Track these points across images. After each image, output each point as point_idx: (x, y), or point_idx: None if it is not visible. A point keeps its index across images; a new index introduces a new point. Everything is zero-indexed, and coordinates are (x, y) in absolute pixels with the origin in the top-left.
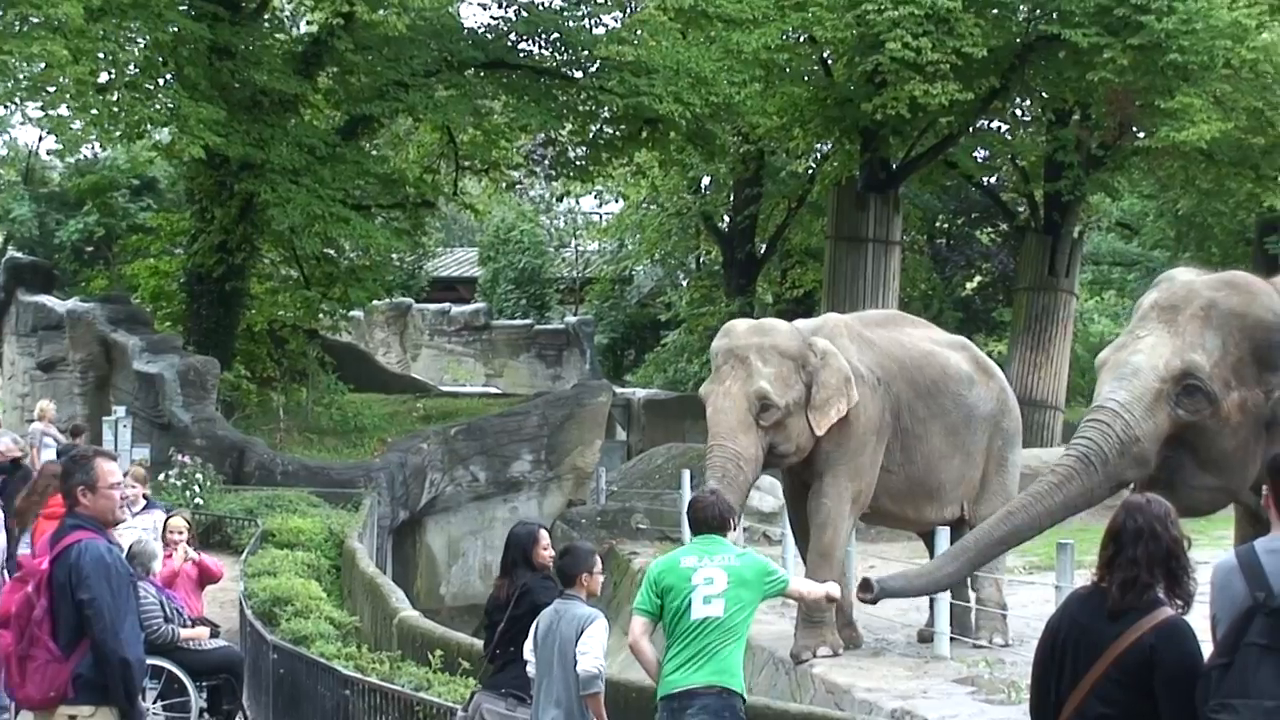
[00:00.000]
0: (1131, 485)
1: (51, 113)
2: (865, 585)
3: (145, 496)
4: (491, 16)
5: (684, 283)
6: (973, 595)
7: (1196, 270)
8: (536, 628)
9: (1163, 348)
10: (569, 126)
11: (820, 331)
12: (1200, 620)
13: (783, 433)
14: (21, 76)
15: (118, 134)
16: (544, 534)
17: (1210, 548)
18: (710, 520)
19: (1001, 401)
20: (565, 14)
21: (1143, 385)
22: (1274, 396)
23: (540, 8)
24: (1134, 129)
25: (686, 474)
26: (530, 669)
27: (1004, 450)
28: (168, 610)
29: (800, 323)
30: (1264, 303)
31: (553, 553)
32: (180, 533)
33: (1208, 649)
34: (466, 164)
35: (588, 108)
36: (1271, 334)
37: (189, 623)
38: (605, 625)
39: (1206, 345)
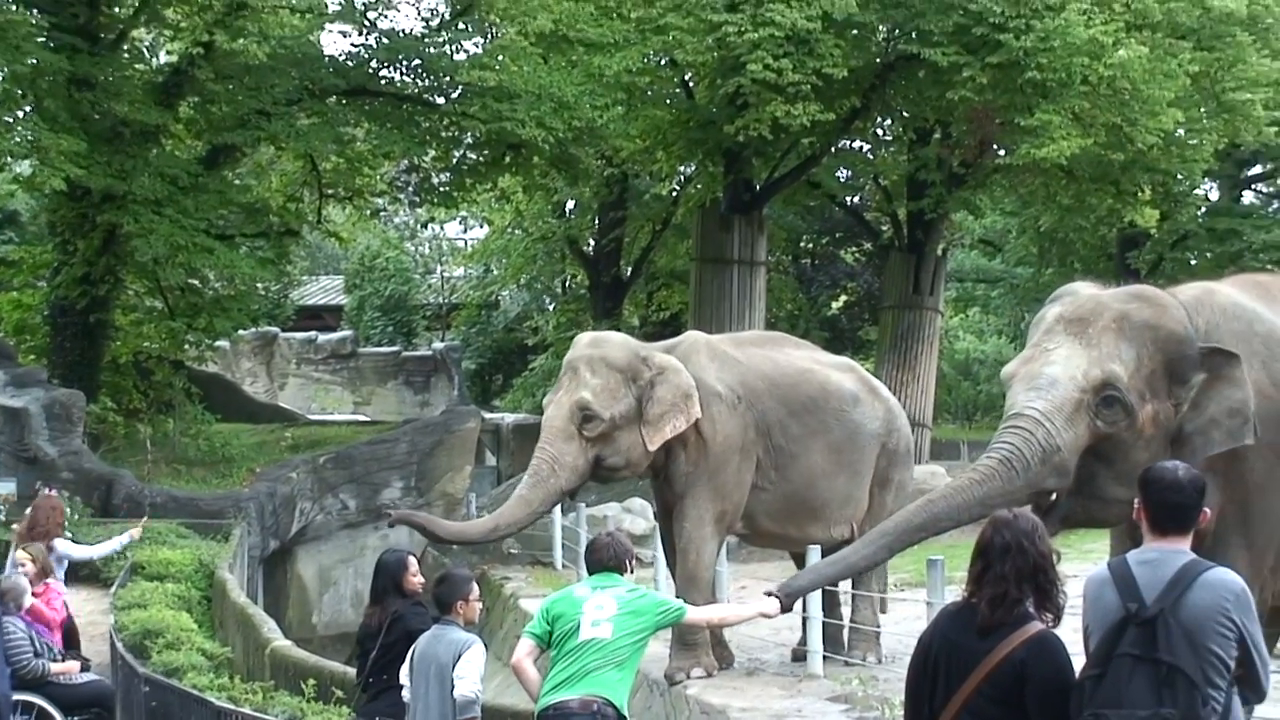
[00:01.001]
0: (1053, 495)
1: None
2: (773, 595)
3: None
4: (352, 44)
5: (550, 307)
6: (846, 614)
7: (1096, 284)
8: (413, 654)
9: (1078, 358)
10: (432, 153)
11: (677, 349)
12: (1071, 634)
13: (610, 445)
14: None
15: None
16: (413, 561)
17: (1079, 561)
18: (606, 561)
19: (888, 421)
20: (426, 40)
21: (1062, 395)
22: (1182, 411)
23: (401, 35)
24: (995, 146)
25: None
26: (406, 694)
27: (889, 470)
28: (37, 645)
29: (658, 343)
30: (1175, 315)
31: (422, 579)
32: (21, 565)
33: (1079, 662)
34: (330, 192)
35: (450, 133)
36: (1183, 346)
37: (59, 657)
38: (482, 650)
39: (1123, 356)
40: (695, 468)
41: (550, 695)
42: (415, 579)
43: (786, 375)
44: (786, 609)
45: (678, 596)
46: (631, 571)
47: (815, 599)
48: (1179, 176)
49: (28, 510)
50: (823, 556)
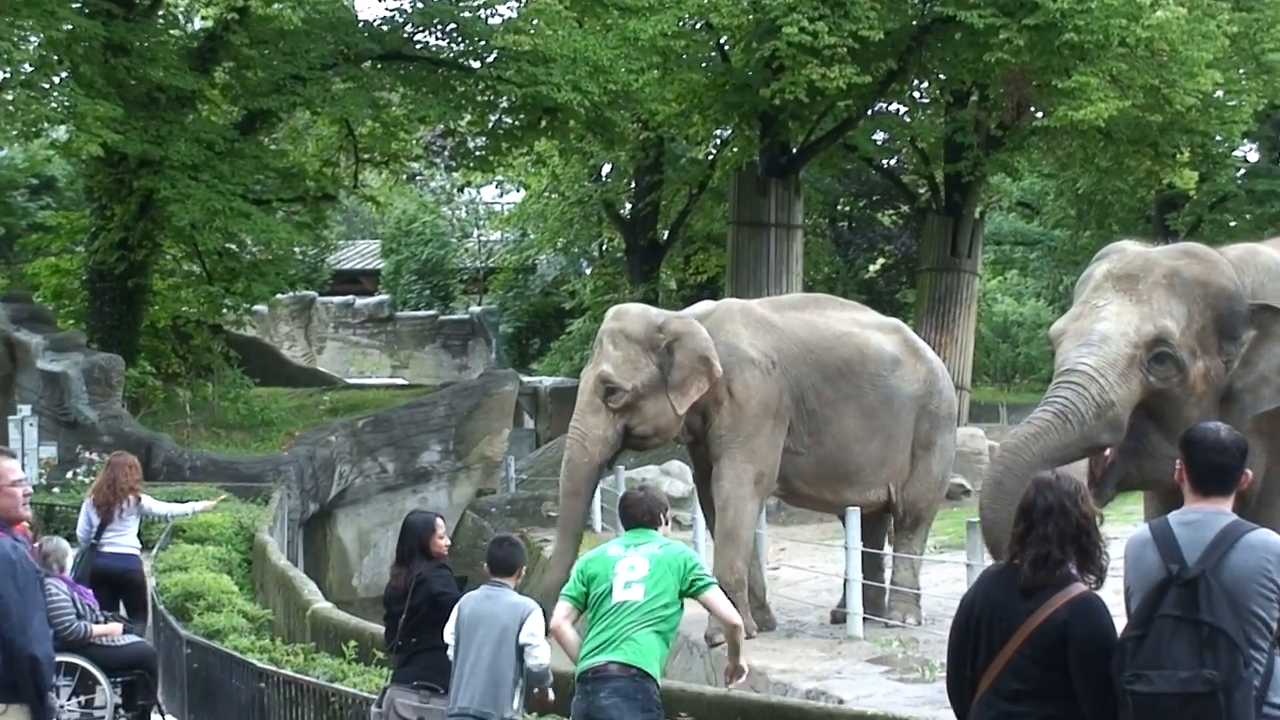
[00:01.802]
0: (1106, 451)
1: None
2: None
3: None
4: (387, 9)
5: (587, 271)
6: (887, 576)
7: (1142, 242)
8: (459, 612)
9: (1130, 314)
10: (468, 117)
11: (710, 317)
12: (1113, 595)
13: (637, 414)
14: None
15: (14, 133)
16: (440, 523)
17: (1120, 523)
18: (639, 516)
19: (929, 383)
20: (461, 4)
21: (1115, 351)
22: (1232, 366)
23: None
24: (1032, 109)
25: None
26: (450, 652)
27: (931, 433)
28: (79, 606)
29: (694, 307)
30: (1224, 271)
31: (448, 541)
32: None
33: (1120, 623)
34: (366, 157)
35: (486, 98)
36: (1233, 302)
37: (102, 619)
38: (542, 616)
39: (1174, 313)
40: (730, 431)
41: (589, 659)
42: (442, 541)
43: (823, 340)
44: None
45: (716, 555)
46: (666, 524)
47: (856, 561)
48: (1217, 138)
49: (102, 470)
50: (861, 521)
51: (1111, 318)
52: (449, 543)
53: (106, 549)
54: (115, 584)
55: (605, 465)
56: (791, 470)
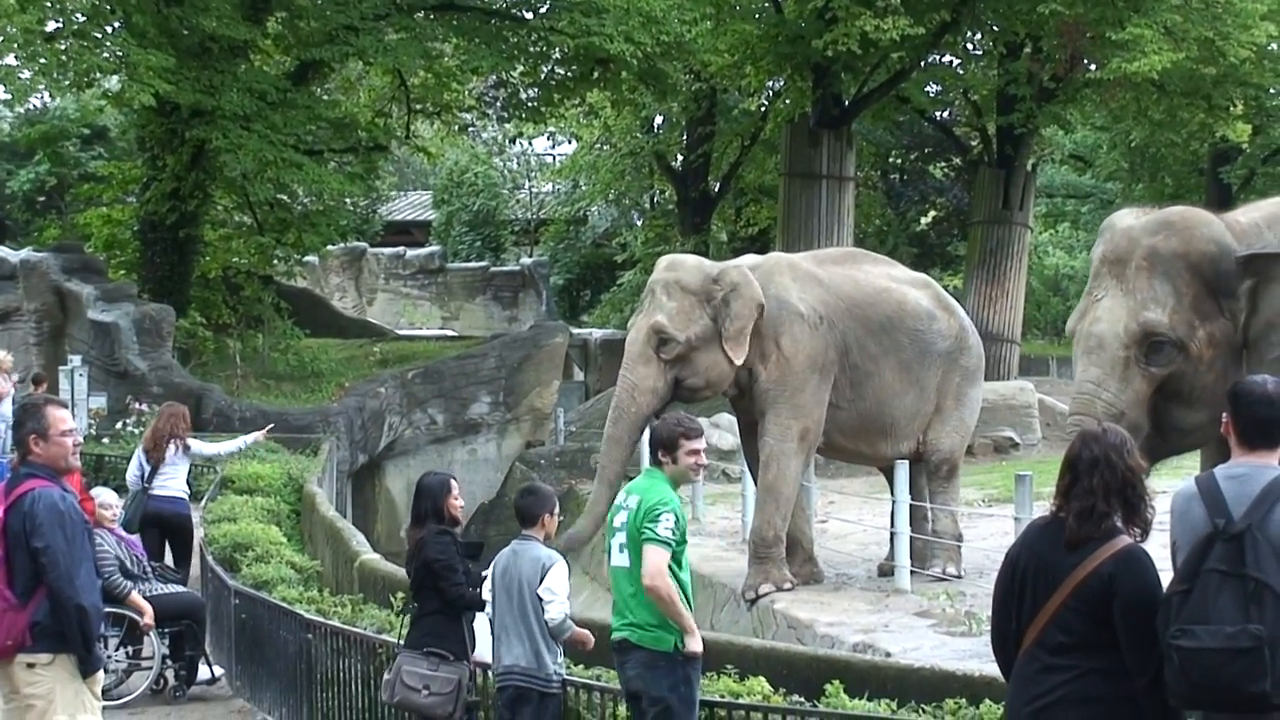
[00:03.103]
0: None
1: None
2: None
3: None
4: None
5: (639, 222)
6: (929, 528)
7: (1137, 211)
8: (494, 568)
9: (1118, 311)
10: (520, 68)
11: (759, 269)
12: (1159, 549)
13: (689, 366)
14: None
15: (67, 83)
16: (454, 484)
17: (1169, 476)
18: (652, 445)
19: (960, 339)
20: None
21: (1110, 357)
22: (1240, 319)
23: None
24: (1085, 61)
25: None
26: (489, 609)
27: (962, 386)
28: (127, 560)
29: (742, 259)
30: (1203, 235)
31: (462, 503)
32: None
33: (1166, 577)
34: (418, 107)
35: (539, 49)
36: (1218, 264)
37: (149, 570)
38: (565, 568)
39: (1159, 296)
40: (776, 385)
41: (617, 628)
42: (457, 502)
43: (866, 294)
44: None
45: (756, 510)
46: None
47: (904, 515)
48: (1271, 90)
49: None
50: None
51: (1104, 316)
52: (463, 504)
53: (156, 492)
54: (164, 526)
55: (652, 416)
56: (832, 424)
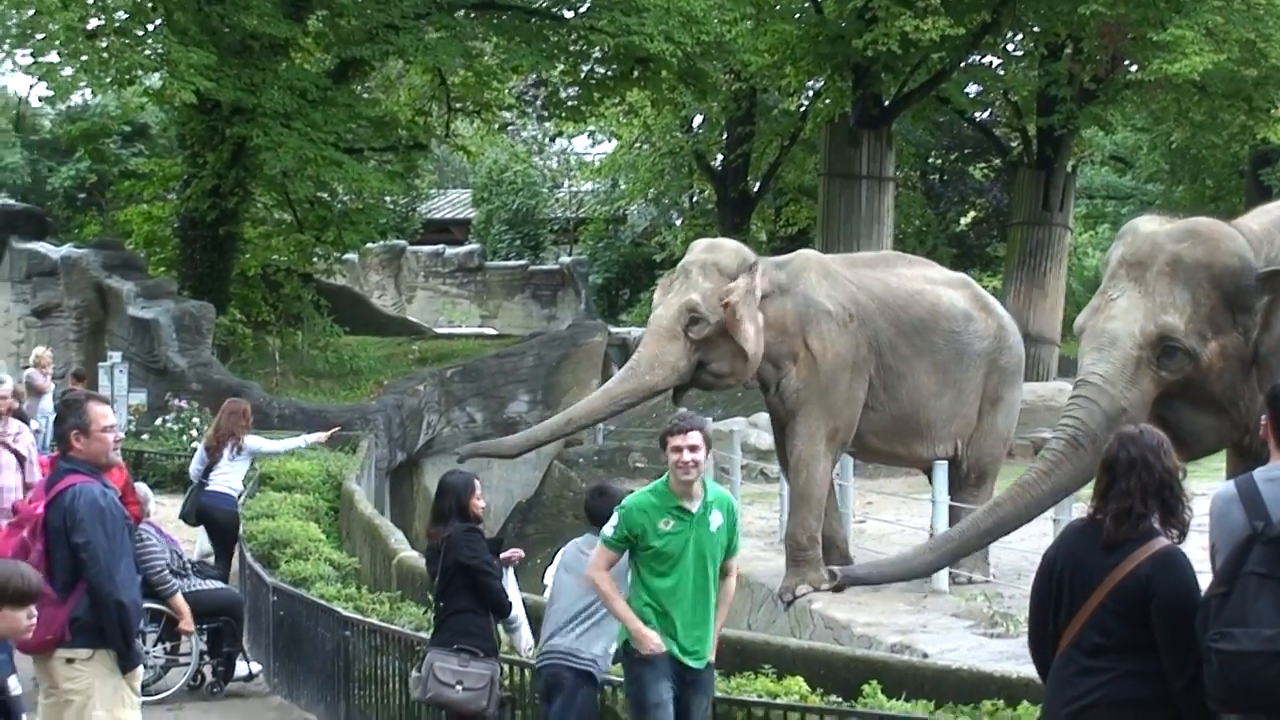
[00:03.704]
0: None
1: (41, 60)
2: (830, 575)
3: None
4: None
5: (678, 222)
6: None
7: (1159, 218)
8: (561, 558)
9: (1136, 311)
10: (560, 67)
11: (788, 266)
12: (1197, 550)
13: (715, 350)
14: (11, 24)
15: (108, 80)
16: (478, 484)
17: (1208, 479)
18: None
19: (999, 339)
20: None
21: (1122, 355)
22: (1253, 335)
23: None
24: (1126, 62)
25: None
26: (546, 594)
27: (999, 388)
28: (170, 558)
29: (770, 259)
30: (1227, 248)
31: (485, 503)
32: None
33: (1205, 579)
34: (458, 106)
35: (579, 47)
36: (1240, 278)
37: (187, 566)
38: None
39: (1177, 302)
40: (806, 385)
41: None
42: (479, 502)
43: (897, 296)
44: (838, 590)
45: (790, 513)
46: (665, 450)
47: (943, 516)
48: None
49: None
50: (929, 474)
51: (1120, 315)
52: (485, 504)
53: (209, 488)
54: (210, 522)
55: (659, 394)
56: (865, 425)
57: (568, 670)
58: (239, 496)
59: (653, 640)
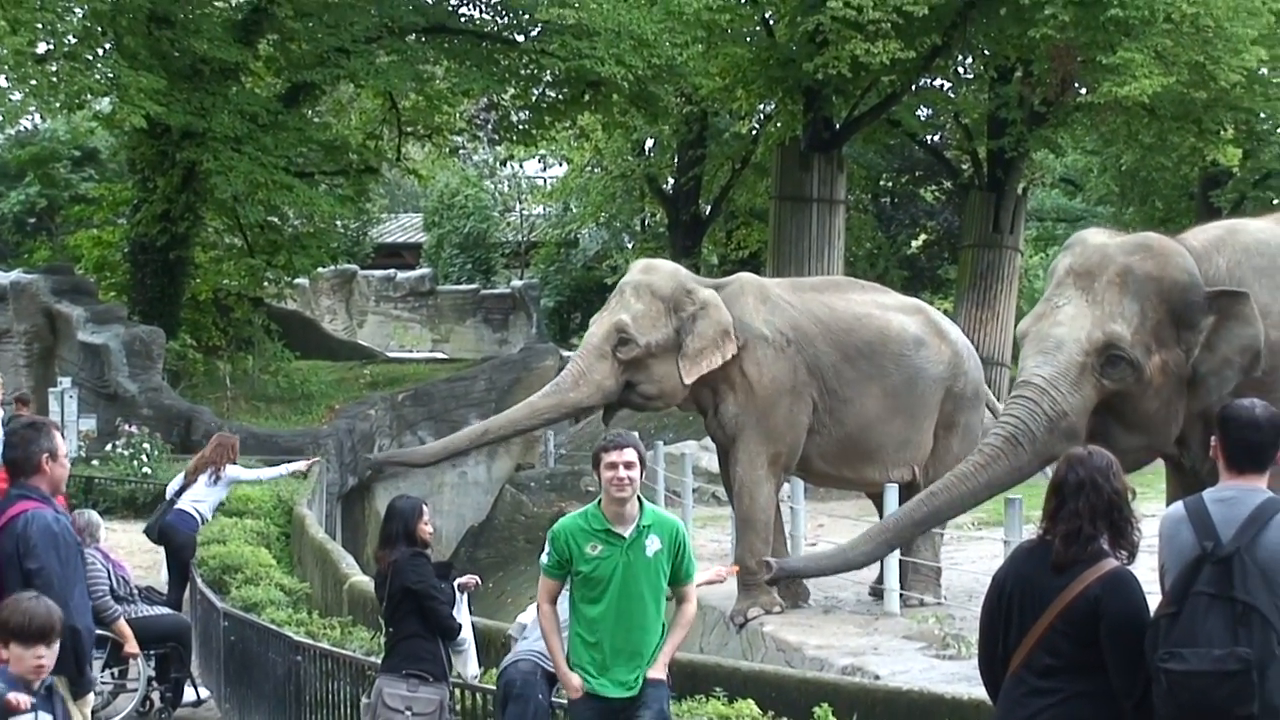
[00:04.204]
0: None
1: None
2: (766, 566)
3: None
4: None
5: (629, 245)
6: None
7: (1107, 231)
8: None
9: (1083, 319)
10: (511, 90)
11: (725, 289)
12: (1146, 571)
13: (644, 372)
14: None
15: (58, 104)
16: (426, 509)
17: (1157, 501)
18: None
19: (954, 365)
20: None
21: (1067, 359)
22: (1194, 354)
23: None
24: (1076, 85)
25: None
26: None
27: (955, 413)
28: (113, 582)
29: (707, 281)
30: (1178, 264)
31: (432, 529)
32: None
33: (1154, 600)
34: (409, 129)
35: (530, 71)
36: (1188, 294)
37: (135, 592)
38: None
39: (1125, 313)
40: (743, 410)
41: None
42: (427, 527)
43: (841, 320)
44: (773, 582)
45: (737, 539)
46: (598, 470)
47: None
48: (1262, 115)
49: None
50: (879, 501)
51: (1066, 321)
52: (433, 529)
53: (178, 507)
54: (167, 541)
55: (584, 414)
56: (811, 449)
57: (540, 670)
58: (202, 522)
59: (572, 684)
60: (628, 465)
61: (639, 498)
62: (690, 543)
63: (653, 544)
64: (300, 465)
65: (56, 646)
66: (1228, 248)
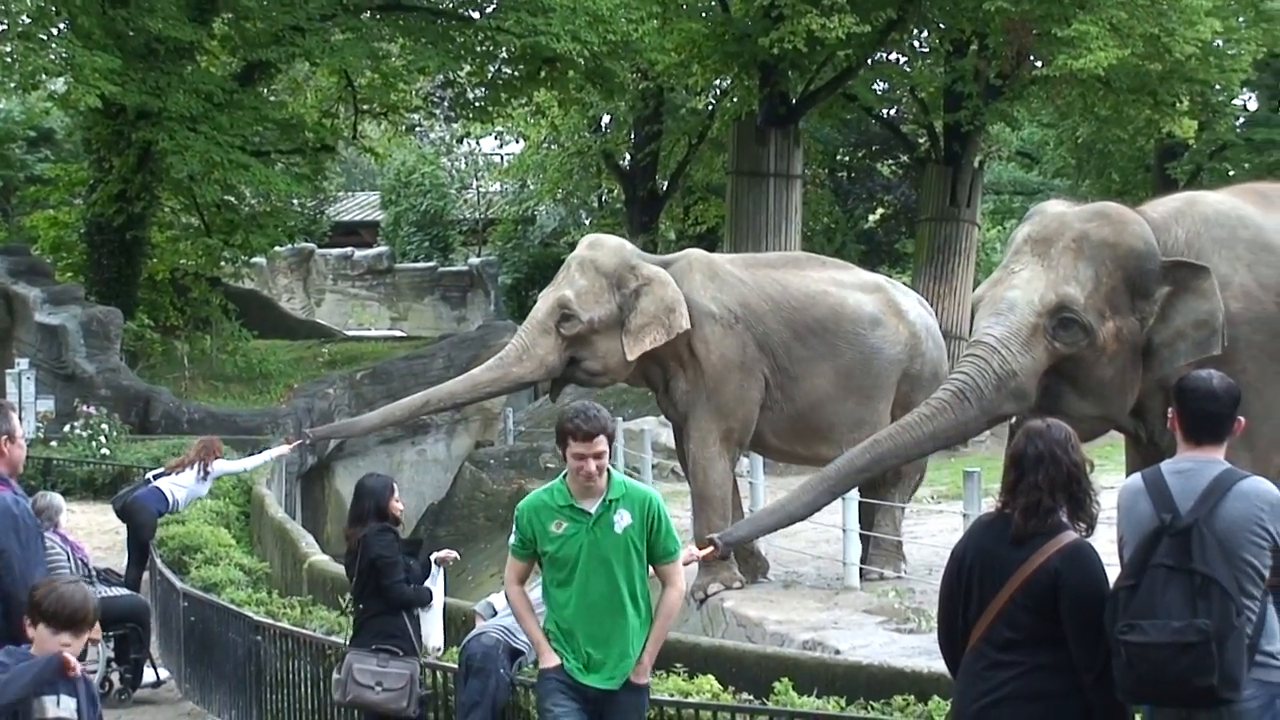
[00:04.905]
0: (1011, 420)
1: None
2: (710, 543)
3: None
4: None
5: (587, 221)
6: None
7: (1067, 202)
8: None
9: (1037, 281)
10: (467, 68)
11: (673, 266)
12: (1105, 544)
13: (588, 348)
14: None
15: (12, 85)
16: (395, 486)
17: (1116, 473)
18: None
19: (911, 345)
20: None
21: (1019, 320)
22: (1148, 323)
23: None
24: (1032, 58)
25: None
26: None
27: (911, 394)
28: (73, 563)
29: (655, 258)
30: (1134, 231)
31: (402, 506)
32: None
33: (1114, 572)
34: (365, 107)
35: (485, 48)
36: (1143, 262)
37: (93, 574)
38: None
39: (1080, 277)
40: (694, 387)
41: None
42: (398, 504)
43: (794, 298)
44: (724, 556)
45: (694, 516)
46: (564, 450)
47: (853, 512)
48: (1217, 87)
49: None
50: None
51: (1021, 285)
52: (403, 506)
53: (154, 484)
54: (129, 516)
55: (528, 387)
56: (764, 425)
57: (503, 644)
58: (173, 509)
59: (549, 658)
60: (597, 456)
61: (608, 468)
62: (668, 516)
63: (622, 519)
64: (284, 449)
65: (85, 637)
66: (1186, 219)
